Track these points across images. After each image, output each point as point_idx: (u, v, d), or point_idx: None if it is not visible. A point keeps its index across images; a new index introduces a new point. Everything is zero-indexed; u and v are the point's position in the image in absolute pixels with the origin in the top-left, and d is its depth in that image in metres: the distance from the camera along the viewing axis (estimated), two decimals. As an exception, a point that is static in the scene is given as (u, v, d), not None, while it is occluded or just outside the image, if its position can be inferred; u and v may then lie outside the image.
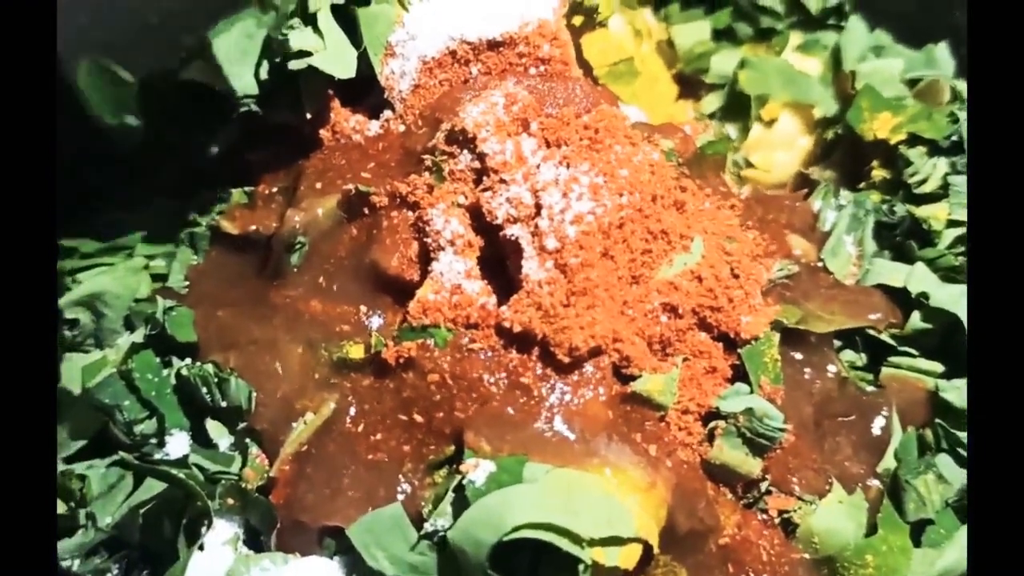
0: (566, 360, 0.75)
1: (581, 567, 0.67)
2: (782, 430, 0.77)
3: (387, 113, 0.90)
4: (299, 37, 0.82)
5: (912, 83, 1.05)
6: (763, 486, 0.80)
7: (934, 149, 0.97)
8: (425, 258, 0.82)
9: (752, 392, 0.80)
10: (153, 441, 0.81)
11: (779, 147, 1.11)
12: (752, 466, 0.78)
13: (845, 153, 1.05)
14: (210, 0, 1.04)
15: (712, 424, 0.79)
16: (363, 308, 0.83)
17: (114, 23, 1.05)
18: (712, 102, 1.11)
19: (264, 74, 0.88)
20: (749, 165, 1.05)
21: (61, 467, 0.79)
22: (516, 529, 0.67)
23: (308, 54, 0.82)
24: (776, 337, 0.82)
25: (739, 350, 0.81)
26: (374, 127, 0.90)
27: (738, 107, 1.10)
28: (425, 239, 0.81)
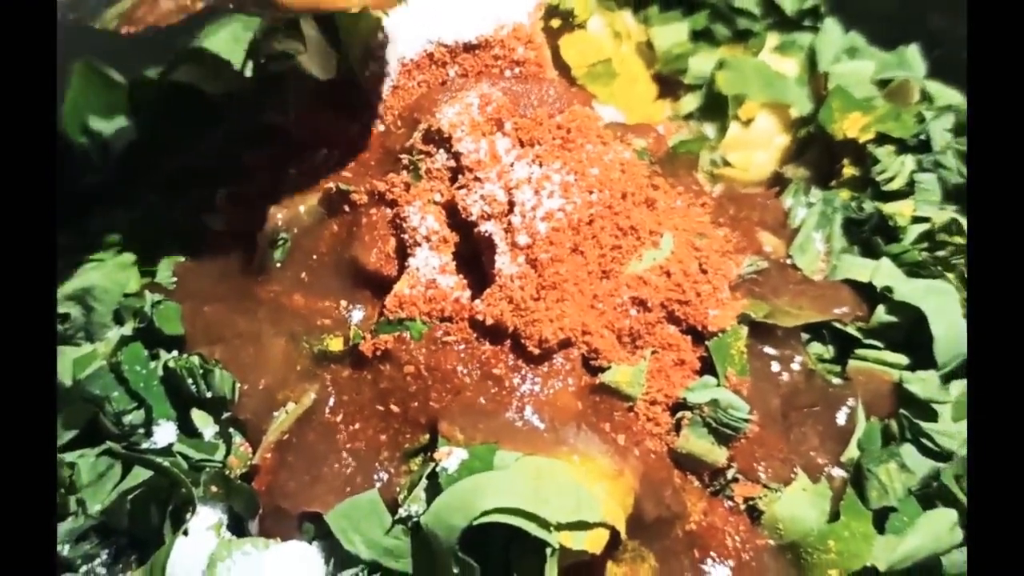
0: (536, 351, 0.78)
1: (548, 551, 0.71)
2: (746, 420, 0.81)
3: (367, 114, 0.94)
4: (282, 41, 0.86)
5: (883, 84, 1.08)
6: (729, 474, 0.83)
7: (902, 148, 1.00)
8: (402, 254, 0.85)
9: (719, 384, 0.83)
10: (141, 431, 0.84)
11: (756, 146, 1.14)
12: (718, 455, 0.81)
13: (818, 152, 1.08)
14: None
15: (679, 414, 0.82)
16: (343, 303, 0.87)
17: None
18: (690, 102, 1.14)
19: (250, 72, 0.91)
20: (727, 164, 1.08)
21: (52, 456, 0.83)
22: (486, 514, 0.70)
23: (291, 56, 0.86)
24: (744, 331, 0.85)
25: (706, 343, 0.84)
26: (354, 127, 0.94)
27: (716, 107, 1.13)
28: (402, 235, 0.84)
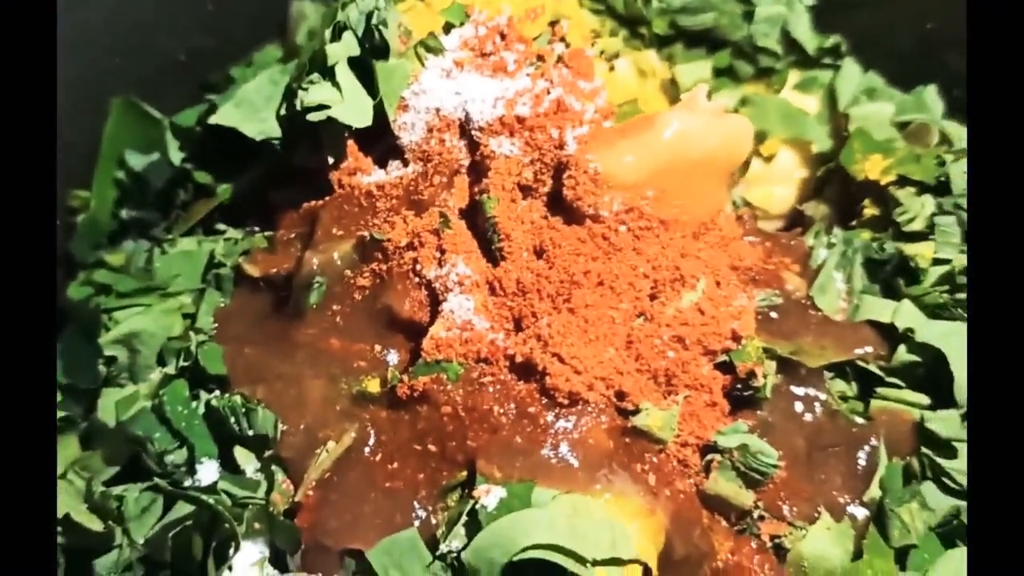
0: (565, 401, 0.84)
1: (585, 586, 0.76)
2: (775, 466, 0.86)
3: (396, 162, 0.99)
4: (318, 91, 0.91)
5: (903, 124, 1.14)
6: (756, 513, 0.88)
7: (922, 189, 1.05)
8: (435, 297, 0.90)
9: (747, 431, 0.88)
10: (183, 469, 0.90)
11: (777, 182, 1.20)
12: (745, 498, 0.87)
13: (838, 190, 1.14)
14: (235, 39, 1.14)
15: (709, 457, 0.87)
16: (378, 346, 0.92)
17: (145, 61, 1.15)
18: (713, 139, 1.19)
19: (286, 120, 0.97)
20: (747, 204, 1.14)
21: (101, 488, 0.88)
22: (526, 550, 0.76)
23: (327, 107, 0.91)
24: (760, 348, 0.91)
25: (730, 354, 0.90)
26: (386, 174, 0.99)
27: (738, 143, 1.18)
28: (434, 283, 0.89)
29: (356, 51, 0.94)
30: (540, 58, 1.00)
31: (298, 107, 0.93)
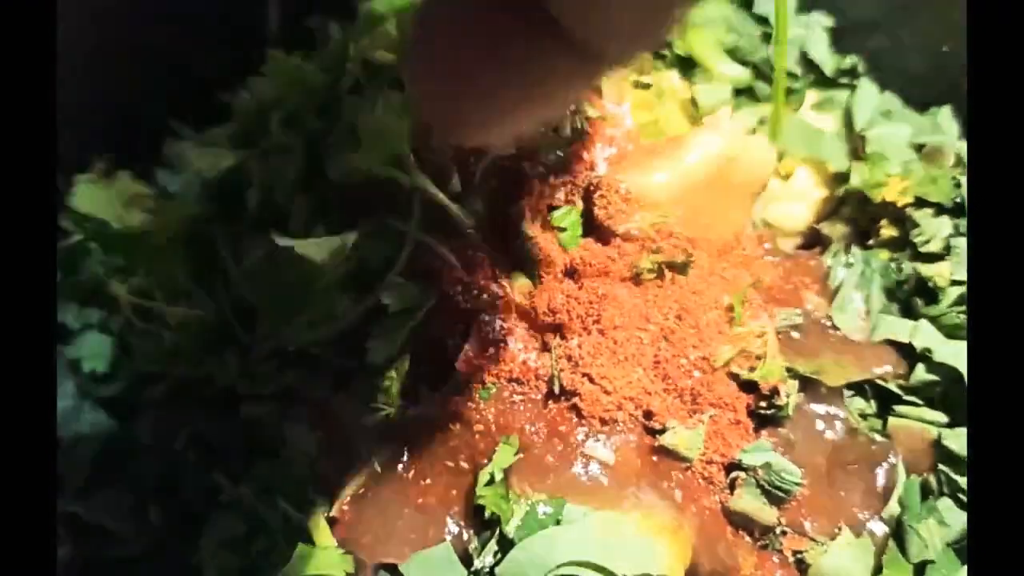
0: (597, 423, 0.87)
1: (616, 602, 0.79)
2: (798, 484, 0.89)
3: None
4: None
5: (919, 146, 1.17)
6: (778, 529, 0.91)
7: (939, 210, 1.08)
8: (468, 319, 0.93)
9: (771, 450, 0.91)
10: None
11: (795, 199, 1.23)
12: (769, 515, 0.90)
13: (855, 209, 1.17)
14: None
15: (733, 474, 0.90)
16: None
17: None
18: (732, 158, 1.23)
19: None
20: (767, 225, 1.17)
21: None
22: (559, 567, 0.79)
23: None
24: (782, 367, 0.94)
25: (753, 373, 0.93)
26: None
27: (756, 162, 1.21)
28: (466, 304, 0.92)
29: None
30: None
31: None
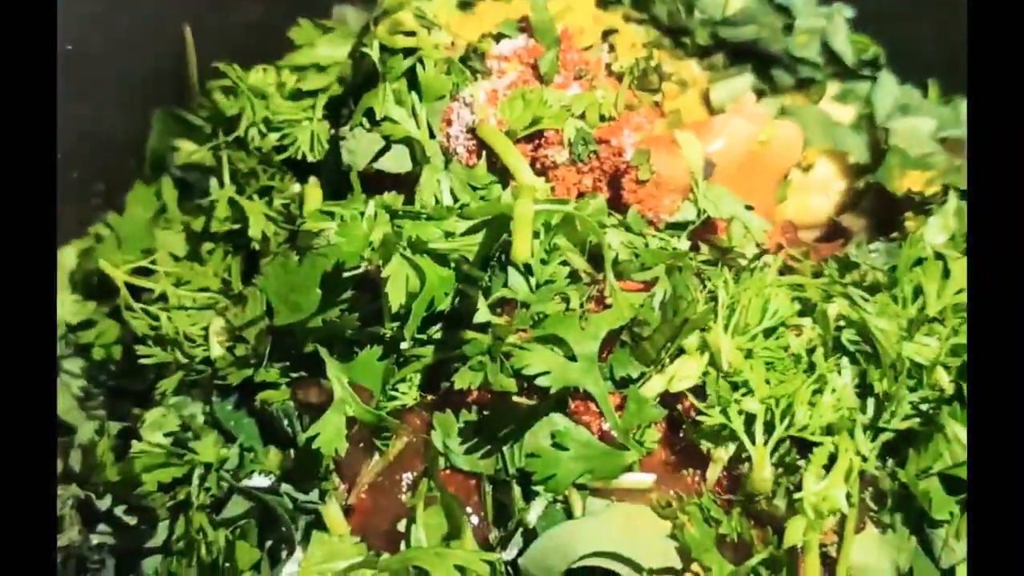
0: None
1: (640, 594, 0.78)
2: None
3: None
4: (366, 143, 0.93)
5: (942, 138, 1.16)
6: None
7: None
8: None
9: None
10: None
11: (815, 191, 1.22)
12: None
13: (875, 202, 1.16)
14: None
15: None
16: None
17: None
18: (751, 149, 1.22)
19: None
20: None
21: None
22: (583, 558, 0.78)
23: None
24: None
25: None
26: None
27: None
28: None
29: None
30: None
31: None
